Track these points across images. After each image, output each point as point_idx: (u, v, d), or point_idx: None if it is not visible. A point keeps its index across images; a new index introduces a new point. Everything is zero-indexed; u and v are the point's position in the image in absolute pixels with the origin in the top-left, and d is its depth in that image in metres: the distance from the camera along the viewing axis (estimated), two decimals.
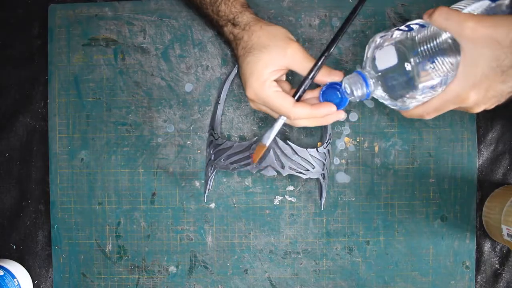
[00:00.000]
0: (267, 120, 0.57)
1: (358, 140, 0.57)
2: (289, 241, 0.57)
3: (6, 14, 0.58)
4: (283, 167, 0.51)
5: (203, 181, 0.57)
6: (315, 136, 0.57)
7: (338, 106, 0.46)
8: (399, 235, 0.57)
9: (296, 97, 0.45)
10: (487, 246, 0.57)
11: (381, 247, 0.57)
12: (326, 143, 0.54)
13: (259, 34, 0.45)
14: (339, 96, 0.46)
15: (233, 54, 0.47)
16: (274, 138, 0.50)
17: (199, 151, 0.57)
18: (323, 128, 0.56)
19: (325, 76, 0.45)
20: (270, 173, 0.51)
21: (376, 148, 0.57)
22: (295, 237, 0.57)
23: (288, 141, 0.51)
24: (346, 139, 0.57)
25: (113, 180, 0.57)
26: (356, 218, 0.57)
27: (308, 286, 0.57)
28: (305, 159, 0.51)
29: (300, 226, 0.57)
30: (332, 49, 0.45)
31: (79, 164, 0.58)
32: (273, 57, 0.45)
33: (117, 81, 0.57)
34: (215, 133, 0.54)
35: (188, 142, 0.57)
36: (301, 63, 0.45)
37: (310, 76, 0.45)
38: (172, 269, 0.57)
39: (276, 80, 0.47)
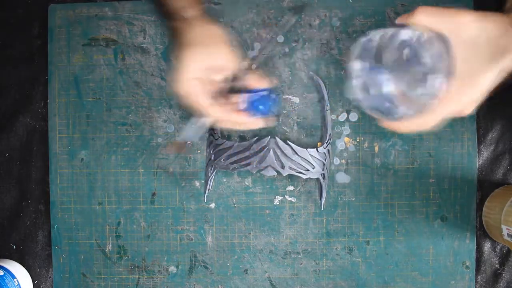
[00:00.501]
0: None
1: (358, 140, 0.57)
2: (289, 241, 0.57)
3: (6, 14, 0.58)
4: (283, 167, 0.51)
5: (203, 181, 0.57)
6: (315, 136, 0.57)
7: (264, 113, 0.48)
8: (399, 235, 0.57)
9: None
10: (487, 246, 0.57)
11: (381, 247, 0.57)
12: (326, 143, 0.54)
13: (198, 30, 0.46)
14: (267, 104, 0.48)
15: (173, 41, 0.47)
16: (275, 138, 0.50)
17: (199, 151, 0.57)
18: (323, 128, 0.56)
19: (256, 84, 0.47)
20: (270, 173, 0.51)
21: (376, 148, 0.57)
22: (295, 237, 0.57)
23: (288, 141, 0.51)
24: (346, 139, 0.57)
25: (113, 180, 0.57)
26: (356, 218, 0.57)
27: (308, 286, 0.57)
28: (305, 159, 0.51)
29: (300, 226, 0.57)
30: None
31: (79, 164, 0.58)
32: (202, 56, 0.45)
33: (117, 81, 0.57)
34: (215, 133, 0.54)
35: (188, 142, 0.57)
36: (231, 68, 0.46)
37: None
38: (172, 269, 0.57)
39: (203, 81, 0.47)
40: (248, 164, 0.51)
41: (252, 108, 0.47)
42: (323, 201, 0.54)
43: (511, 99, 0.56)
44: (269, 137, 0.51)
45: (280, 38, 0.57)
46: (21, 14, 0.58)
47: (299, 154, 0.51)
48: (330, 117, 0.57)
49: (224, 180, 0.57)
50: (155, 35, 0.57)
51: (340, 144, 0.57)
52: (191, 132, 0.49)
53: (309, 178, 0.54)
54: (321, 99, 0.57)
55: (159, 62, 0.57)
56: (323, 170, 0.53)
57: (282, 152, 0.51)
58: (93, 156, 0.57)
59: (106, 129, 0.57)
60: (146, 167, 0.57)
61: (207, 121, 0.48)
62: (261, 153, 0.51)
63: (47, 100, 0.58)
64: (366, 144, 0.57)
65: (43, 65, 0.58)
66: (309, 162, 0.52)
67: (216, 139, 0.53)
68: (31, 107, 0.58)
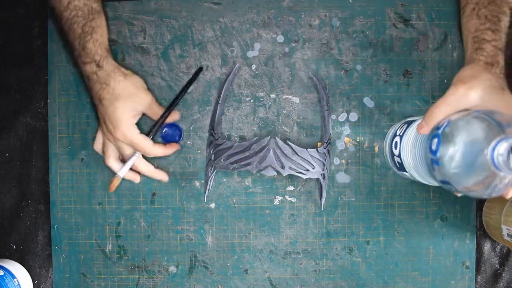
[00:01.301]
0: (267, 120, 0.57)
1: (358, 140, 0.57)
2: (289, 241, 0.57)
3: (6, 14, 0.58)
4: (283, 167, 0.51)
5: (203, 181, 0.57)
6: (315, 136, 0.57)
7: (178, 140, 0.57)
8: (399, 235, 0.57)
9: (150, 136, 0.54)
10: (487, 246, 0.57)
11: (381, 247, 0.57)
12: (326, 143, 0.54)
13: (125, 84, 0.52)
14: (178, 135, 0.57)
15: (92, 92, 0.52)
16: (275, 139, 0.50)
17: (199, 151, 0.57)
18: (323, 128, 0.56)
19: (169, 119, 0.56)
20: (270, 173, 0.51)
21: (376, 148, 0.57)
22: (295, 237, 0.57)
23: (288, 141, 0.51)
24: (346, 139, 0.57)
25: None
26: (356, 218, 0.57)
27: (308, 286, 0.57)
28: (305, 159, 0.51)
29: (300, 226, 0.57)
30: (174, 105, 0.55)
31: (79, 164, 0.58)
32: (136, 104, 0.53)
33: None
34: (215, 133, 0.54)
35: (188, 142, 0.57)
36: (154, 109, 0.55)
37: (161, 121, 0.55)
38: (172, 269, 0.57)
39: None
40: (248, 164, 0.51)
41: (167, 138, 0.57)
42: (323, 201, 0.54)
43: None
44: (269, 137, 0.51)
45: (280, 38, 0.57)
46: (21, 14, 0.58)
47: (299, 154, 0.51)
48: (330, 117, 0.57)
49: (224, 180, 0.57)
50: (155, 35, 0.57)
51: (340, 144, 0.57)
52: (126, 168, 0.54)
53: (309, 178, 0.54)
54: (321, 99, 0.57)
55: (159, 62, 0.57)
56: (323, 170, 0.53)
57: (282, 152, 0.51)
58: (93, 156, 0.57)
59: None
60: None
61: (136, 158, 0.54)
62: (261, 153, 0.51)
63: (47, 100, 0.58)
64: (366, 144, 0.57)
65: (43, 65, 0.58)
66: (309, 162, 0.52)
67: (216, 139, 0.53)
68: (31, 107, 0.58)
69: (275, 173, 0.51)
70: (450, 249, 0.57)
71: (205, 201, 0.56)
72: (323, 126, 0.56)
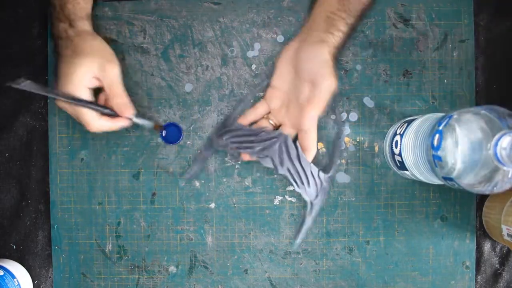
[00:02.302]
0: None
1: (358, 140, 0.57)
2: (289, 241, 0.57)
3: (6, 14, 0.58)
4: (282, 164, 0.50)
5: (203, 181, 0.57)
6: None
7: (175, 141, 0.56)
8: (399, 235, 0.57)
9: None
10: (487, 246, 0.57)
11: (381, 247, 0.57)
12: (329, 174, 0.53)
13: (92, 44, 0.50)
14: (178, 135, 0.57)
15: (56, 49, 0.51)
16: (286, 136, 0.50)
17: (199, 151, 0.57)
18: (330, 157, 0.56)
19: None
20: (267, 164, 0.50)
21: (376, 148, 0.57)
22: (295, 237, 0.57)
23: (298, 144, 0.51)
24: (346, 139, 0.57)
25: (113, 180, 0.57)
26: (356, 218, 0.57)
27: (308, 286, 0.57)
28: (305, 172, 0.51)
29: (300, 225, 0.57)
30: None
31: (79, 164, 0.58)
32: (96, 67, 0.49)
33: None
34: (229, 121, 0.55)
35: (188, 142, 0.57)
36: (114, 89, 0.50)
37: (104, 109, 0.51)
38: (172, 269, 0.57)
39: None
40: (249, 148, 0.50)
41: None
42: (298, 240, 0.54)
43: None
44: (281, 131, 0.51)
45: (280, 38, 0.57)
46: (21, 14, 0.58)
47: (302, 163, 0.50)
48: (343, 146, 0.56)
49: (224, 180, 0.57)
50: (155, 35, 0.57)
51: (340, 144, 0.57)
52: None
53: (300, 196, 0.53)
54: (337, 127, 0.56)
55: (159, 62, 0.57)
56: (315, 198, 0.52)
57: (288, 151, 0.50)
58: (93, 156, 0.57)
59: None
60: (146, 167, 0.57)
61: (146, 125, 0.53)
62: (267, 142, 0.50)
63: (47, 100, 0.58)
64: (366, 144, 0.57)
65: (43, 65, 0.58)
66: (307, 177, 0.51)
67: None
68: (31, 107, 0.58)
69: (272, 166, 0.50)
70: (450, 249, 0.57)
71: (183, 184, 0.56)
72: (332, 153, 0.56)
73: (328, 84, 0.49)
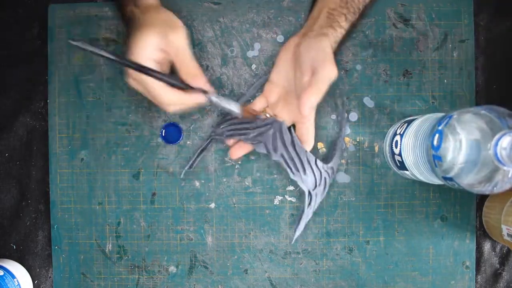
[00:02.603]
0: None
1: (358, 140, 0.57)
2: (289, 241, 0.57)
3: (6, 14, 0.58)
4: (275, 150, 0.49)
5: (203, 181, 0.57)
6: (316, 140, 0.57)
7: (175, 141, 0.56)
8: (399, 235, 0.57)
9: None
10: (487, 246, 0.57)
11: (381, 247, 0.57)
12: (329, 165, 0.53)
13: (153, 16, 0.47)
14: (178, 135, 0.56)
15: (127, 32, 0.49)
16: (280, 122, 0.50)
17: (192, 170, 0.57)
18: (332, 151, 0.55)
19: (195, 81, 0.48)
20: (261, 149, 0.49)
21: (376, 148, 0.57)
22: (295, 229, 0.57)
23: (293, 130, 0.51)
24: (346, 139, 0.57)
25: (113, 180, 0.57)
26: (356, 218, 0.57)
27: (308, 286, 0.57)
28: (300, 159, 0.50)
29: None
30: None
31: (79, 164, 0.58)
32: (155, 36, 0.46)
33: (117, 81, 0.57)
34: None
35: (188, 142, 0.57)
36: (185, 62, 0.47)
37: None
38: (172, 269, 0.57)
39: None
40: (244, 134, 0.49)
41: None
42: (297, 233, 0.53)
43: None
44: (276, 119, 0.51)
45: (280, 38, 0.57)
46: (21, 14, 0.58)
47: (296, 149, 0.50)
48: (343, 144, 0.56)
49: (224, 180, 0.57)
50: None
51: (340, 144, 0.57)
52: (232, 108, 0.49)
53: (297, 186, 0.53)
54: (339, 123, 0.56)
55: None
56: (313, 188, 0.51)
57: (282, 137, 0.49)
58: (93, 156, 0.57)
59: (106, 129, 0.57)
60: (146, 167, 0.57)
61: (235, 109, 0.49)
62: (262, 129, 0.50)
63: (47, 100, 0.58)
64: (366, 144, 0.57)
65: (43, 65, 0.58)
66: (302, 163, 0.50)
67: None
68: (31, 107, 0.58)
69: (265, 151, 0.49)
70: (450, 249, 0.57)
71: (181, 176, 0.56)
72: (332, 149, 0.55)
73: (328, 71, 0.48)
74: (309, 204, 0.52)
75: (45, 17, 0.57)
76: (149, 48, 0.46)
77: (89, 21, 0.57)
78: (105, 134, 0.57)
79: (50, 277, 0.58)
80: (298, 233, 0.54)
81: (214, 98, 0.48)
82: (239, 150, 0.54)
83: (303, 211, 0.53)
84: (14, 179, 0.58)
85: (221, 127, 0.51)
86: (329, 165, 0.53)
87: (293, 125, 0.53)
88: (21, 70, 0.58)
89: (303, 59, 0.49)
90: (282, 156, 0.49)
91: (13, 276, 0.54)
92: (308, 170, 0.50)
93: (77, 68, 0.57)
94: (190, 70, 0.47)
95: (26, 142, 0.58)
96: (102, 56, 0.43)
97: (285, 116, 0.53)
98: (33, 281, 0.58)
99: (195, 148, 0.57)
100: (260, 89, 0.56)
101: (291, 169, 0.50)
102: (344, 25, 0.50)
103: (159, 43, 0.46)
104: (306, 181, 0.51)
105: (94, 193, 0.58)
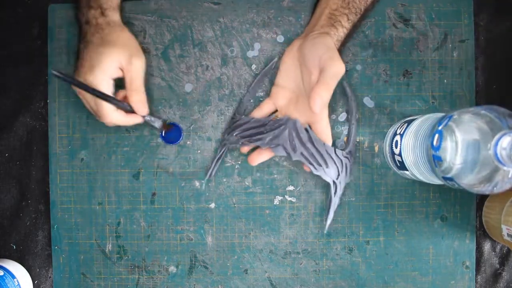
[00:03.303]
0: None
1: (358, 140, 0.57)
2: (289, 241, 0.57)
3: (6, 14, 0.58)
4: (294, 150, 0.48)
5: (203, 181, 0.57)
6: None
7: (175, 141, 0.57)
8: (399, 235, 0.57)
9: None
10: (487, 246, 0.57)
11: (381, 247, 0.57)
12: (347, 150, 0.52)
13: (120, 35, 0.50)
14: (178, 135, 0.57)
15: (84, 35, 0.51)
16: (294, 120, 0.50)
17: (199, 151, 0.57)
18: (347, 143, 0.55)
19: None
20: (280, 152, 0.48)
21: (376, 148, 0.57)
22: (295, 237, 0.57)
23: (309, 127, 0.50)
24: (346, 139, 0.57)
25: (113, 180, 0.57)
26: (356, 218, 0.57)
27: (308, 286, 0.57)
28: (320, 153, 0.49)
29: (300, 226, 0.57)
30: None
31: (79, 164, 0.58)
32: (121, 57, 0.49)
33: (117, 81, 0.57)
34: (237, 115, 0.54)
35: (188, 142, 0.57)
36: (134, 82, 0.50)
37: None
38: (172, 269, 0.57)
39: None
40: (259, 140, 0.49)
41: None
42: (328, 222, 0.53)
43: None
44: (288, 117, 0.50)
45: (280, 38, 0.57)
46: (21, 14, 0.58)
47: (315, 145, 0.49)
48: (355, 130, 0.56)
49: (224, 180, 0.57)
50: (155, 35, 0.57)
51: (340, 144, 0.57)
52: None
53: (319, 178, 0.52)
54: (348, 112, 0.56)
55: (159, 62, 0.57)
56: (337, 177, 0.51)
57: (298, 135, 0.48)
58: (93, 156, 0.57)
59: (106, 129, 0.57)
60: (146, 167, 0.57)
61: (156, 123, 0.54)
62: (276, 131, 0.49)
63: (47, 100, 0.58)
64: (366, 144, 0.57)
65: (43, 65, 0.58)
66: (323, 157, 0.49)
67: (237, 120, 0.52)
68: (31, 107, 0.58)
69: (285, 154, 0.48)
70: (450, 249, 0.57)
71: (204, 182, 0.56)
72: (348, 140, 0.55)
73: (336, 67, 0.48)
74: (335, 192, 0.52)
75: (45, 17, 0.57)
76: (113, 66, 0.49)
77: None
78: (105, 134, 0.57)
79: (50, 277, 0.58)
80: (329, 221, 0.54)
81: (148, 118, 0.53)
82: (258, 157, 0.54)
83: (330, 200, 0.53)
84: (14, 179, 0.58)
85: (235, 134, 0.50)
86: (347, 150, 0.53)
87: (309, 126, 0.53)
88: (21, 70, 0.58)
89: (308, 58, 0.49)
90: (302, 154, 0.48)
91: (13, 276, 0.54)
92: (330, 163, 0.50)
93: None
94: (140, 99, 0.51)
95: (26, 142, 0.58)
96: (74, 85, 0.48)
97: (298, 118, 0.52)
98: (33, 281, 0.58)
99: (194, 152, 0.57)
100: (262, 86, 0.56)
101: (313, 165, 0.49)
102: (346, 25, 0.51)
103: (122, 62, 0.49)
104: (330, 173, 0.50)
105: (94, 193, 0.58)
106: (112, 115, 0.50)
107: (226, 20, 0.57)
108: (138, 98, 0.51)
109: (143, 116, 0.53)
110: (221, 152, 0.54)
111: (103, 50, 0.48)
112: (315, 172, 0.50)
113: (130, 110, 0.52)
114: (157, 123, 0.54)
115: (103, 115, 0.50)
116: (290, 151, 0.48)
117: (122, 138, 0.57)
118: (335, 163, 0.51)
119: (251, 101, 0.56)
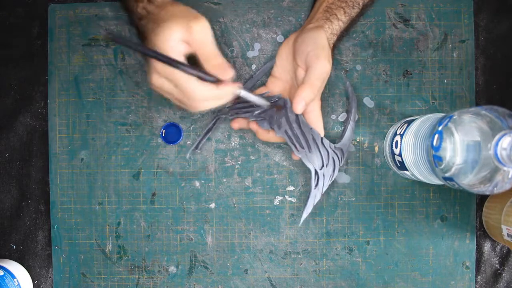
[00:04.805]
0: None
1: (358, 140, 0.57)
2: (289, 241, 0.57)
3: (6, 14, 0.58)
4: (279, 127, 0.48)
5: (203, 181, 0.57)
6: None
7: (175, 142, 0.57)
8: (399, 235, 0.57)
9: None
10: (487, 246, 0.57)
11: (381, 247, 0.57)
12: (338, 145, 0.52)
13: (170, 9, 0.44)
14: (178, 135, 0.57)
15: (141, 31, 0.46)
16: (286, 99, 0.49)
17: (199, 151, 0.57)
18: (344, 129, 0.55)
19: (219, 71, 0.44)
20: (265, 126, 0.48)
21: (376, 148, 0.57)
22: (295, 237, 0.57)
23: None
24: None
25: (113, 180, 0.57)
26: (356, 218, 0.57)
27: (308, 286, 0.57)
28: (304, 135, 0.48)
29: (300, 226, 0.57)
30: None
31: (79, 164, 0.58)
32: (178, 28, 0.42)
33: (117, 81, 0.57)
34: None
35: (188, 142, 0.57)
36: (206, 48, 0.43)
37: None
38: (172, 269, 0.57)
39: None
40: (248, 112, 0.49)
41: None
42: (304, 215, 0.50)
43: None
44: (281, 95, 0.50)
45: (280, 38, 0.57)
46: (21, 14, 0.58)
47: (301, 127, 0.48)
48: (351, 130, 0.55)
49: (224, 180, 0.57)
50: None
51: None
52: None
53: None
54: (348, 112, 0.56)
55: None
56: (320, 168, 0.49)
57: (286, 114, 0.48)
58: (93, 156, 0.57)
59: (106, 129, 0.57)
60: (146, 167, 0.57)
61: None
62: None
63: (47, 100, 0.58)
64: (366, 144, 0.57)
65: (43, 65, 0.58)
66: (307, 141, 0.48)
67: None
68: (31, 107, 0.58)
69: (269, 128, 0.48)
70: (450, 249, 0.57)
71: (187, 157, 0.56)
72: (341, 136, 0.55)
73: (321, 67, 0.47)
74: (317, 184, 0.49)
75: (45, 17, 0.57)
76: (173, 41, 0.42)
77: (89, 21, 0.57)
78: (105, 134, 0.57)
79: (50, 277, 0.58)
80: (305, 214, 0.50)
81: (244, 92, 0.45)
82: (241, 121, 0.53)
83: (309, 192, 0.50)
84: (14, 179, 0.58)
85: (226, 106, 0.50)
86: (337, 145, 0.52)
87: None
88: (21, 70, 0.58)
89: (298, 53, 0.49)
90: (286, 132, 0.47)
91: (13, 276, 0.54)
92: (314, 148, 0.48)
93: (77, 68, 0.57)
94: (218, 63, 0.44)
95: (26, 142, 0.58)
96: (134, 49, 0.41)
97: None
98: (33, 281, 0.58)
99: (194, 152, 0.57)
100: (267, 72, 0.56)
101: (295, 145, 0.48)
102: (342, 18, 0.50)
103: (183, 34, 0.42)
104: (312, 158, 0.48)
105: (94, 193, 0.58)
106: (200, 90, 0.43)
107: (226, 20, 0.57)
108: (215, 62, 0.44)
109: (235, 84, 0.45)
110: (211, 124, 0.53)
111: (156, 30, 0.42)
112: (296, 154, 0.48)
113: (214, 80, 0.43)
114: (262, 101, 0.47)
115: (190, 96, 0.43)
116: (275, 126, 0.48)
117: (122, 138, 0.57)
118: (319, 151, 0.49)
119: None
